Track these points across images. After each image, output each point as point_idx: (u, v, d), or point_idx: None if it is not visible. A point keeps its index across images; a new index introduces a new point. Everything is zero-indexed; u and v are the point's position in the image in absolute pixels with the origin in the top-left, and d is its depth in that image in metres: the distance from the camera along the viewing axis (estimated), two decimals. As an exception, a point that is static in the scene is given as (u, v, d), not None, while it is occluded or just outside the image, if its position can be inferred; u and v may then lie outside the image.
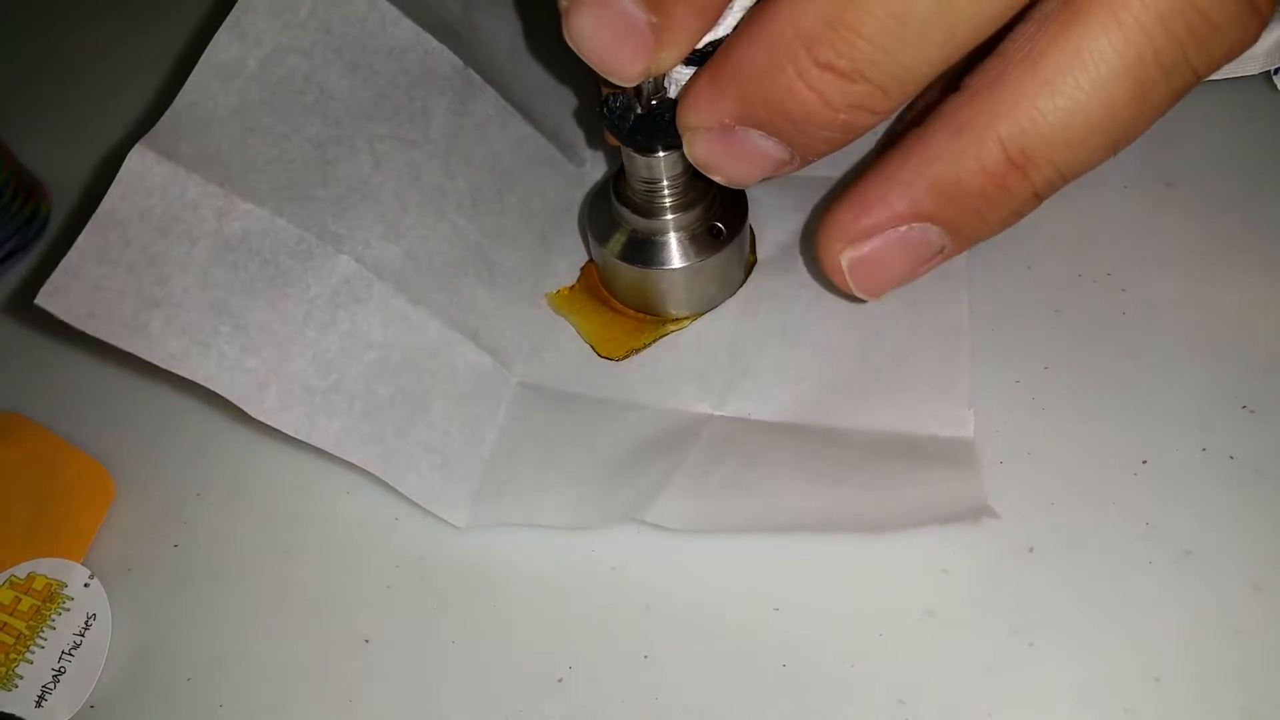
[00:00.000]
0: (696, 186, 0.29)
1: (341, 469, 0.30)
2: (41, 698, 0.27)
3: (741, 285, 0.32)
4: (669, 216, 0.29)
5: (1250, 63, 0.30)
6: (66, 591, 0.28)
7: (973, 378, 0.28)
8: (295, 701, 0.26)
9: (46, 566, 0.29)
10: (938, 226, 0.23)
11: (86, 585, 0.28)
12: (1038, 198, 0.22)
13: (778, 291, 0.31)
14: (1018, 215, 0.23)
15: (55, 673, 0.27)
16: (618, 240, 0.30)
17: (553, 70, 0.36)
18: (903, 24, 0.20)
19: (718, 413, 0.29)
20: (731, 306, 0.31)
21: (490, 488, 0.28)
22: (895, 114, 0.22)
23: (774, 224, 0.33)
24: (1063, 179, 0.22)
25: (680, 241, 0.30)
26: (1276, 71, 0.30)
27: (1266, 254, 0.30)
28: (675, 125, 0.24)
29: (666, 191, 0.29)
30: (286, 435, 0.30)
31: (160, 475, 0.31)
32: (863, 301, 0.26)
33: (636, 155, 0.28)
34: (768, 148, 0.23)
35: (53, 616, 0.28)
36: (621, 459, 0.28)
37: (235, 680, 0.26)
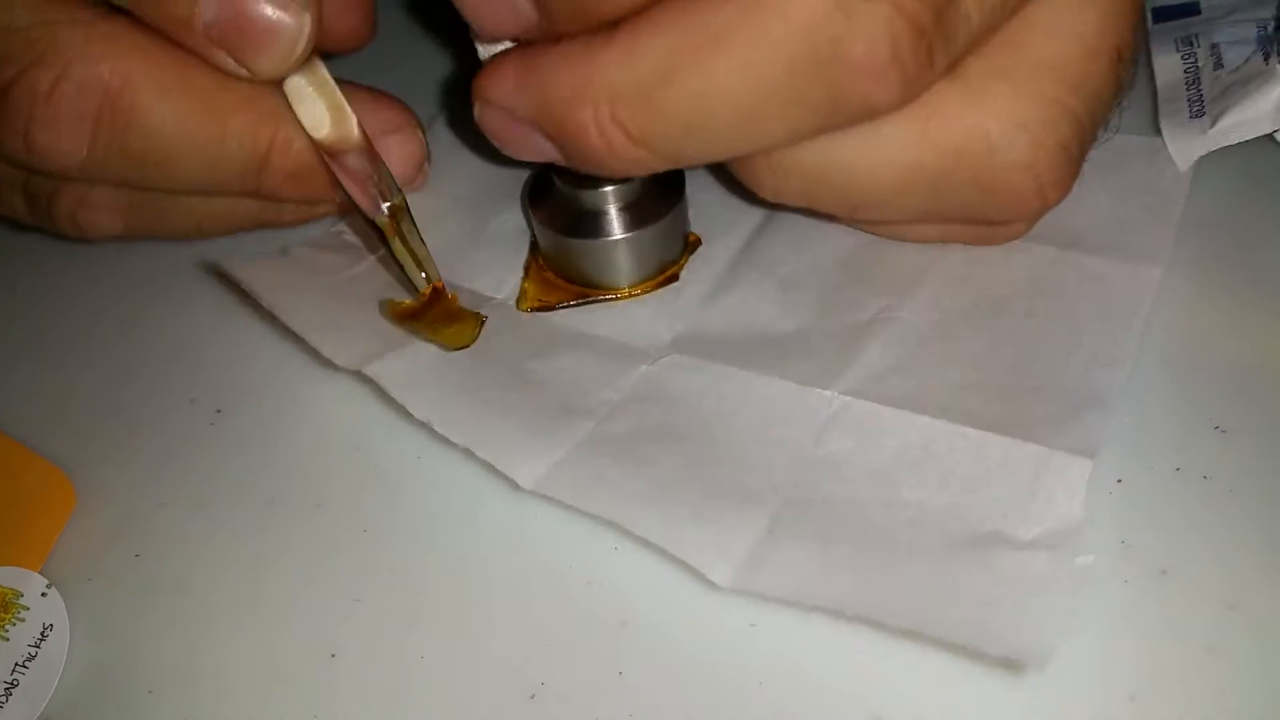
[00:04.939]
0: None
1: (310, 479, 0.29)
2: (-7, 711, 0.26)
3: (614, 299, 0.31)
4: (579, 190, 0.30)
5: (1259, 125, 0.31)
6: (22, 601, 0.27)
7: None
8: (260, 716, 0.25)
9: (1, 575, 0.28)
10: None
11: (44, 594, 0.27)
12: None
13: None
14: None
15: (7, 685, 0.26)
16: (545, 199, 0.31)
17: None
18: (705, 124, 0.22)
19: None
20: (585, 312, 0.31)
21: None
22: None
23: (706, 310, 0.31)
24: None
25: (580, 215, 0.31)
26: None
27: (1238, 273, 0.30)
28: None
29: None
30: (254, 445, 0.30)
31: (123, 483, 0.30)
32: None
33: None
34: (546, 149, 0.25)
35: (7, 627, 0.27)
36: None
37: (198, 694, 0.26)
